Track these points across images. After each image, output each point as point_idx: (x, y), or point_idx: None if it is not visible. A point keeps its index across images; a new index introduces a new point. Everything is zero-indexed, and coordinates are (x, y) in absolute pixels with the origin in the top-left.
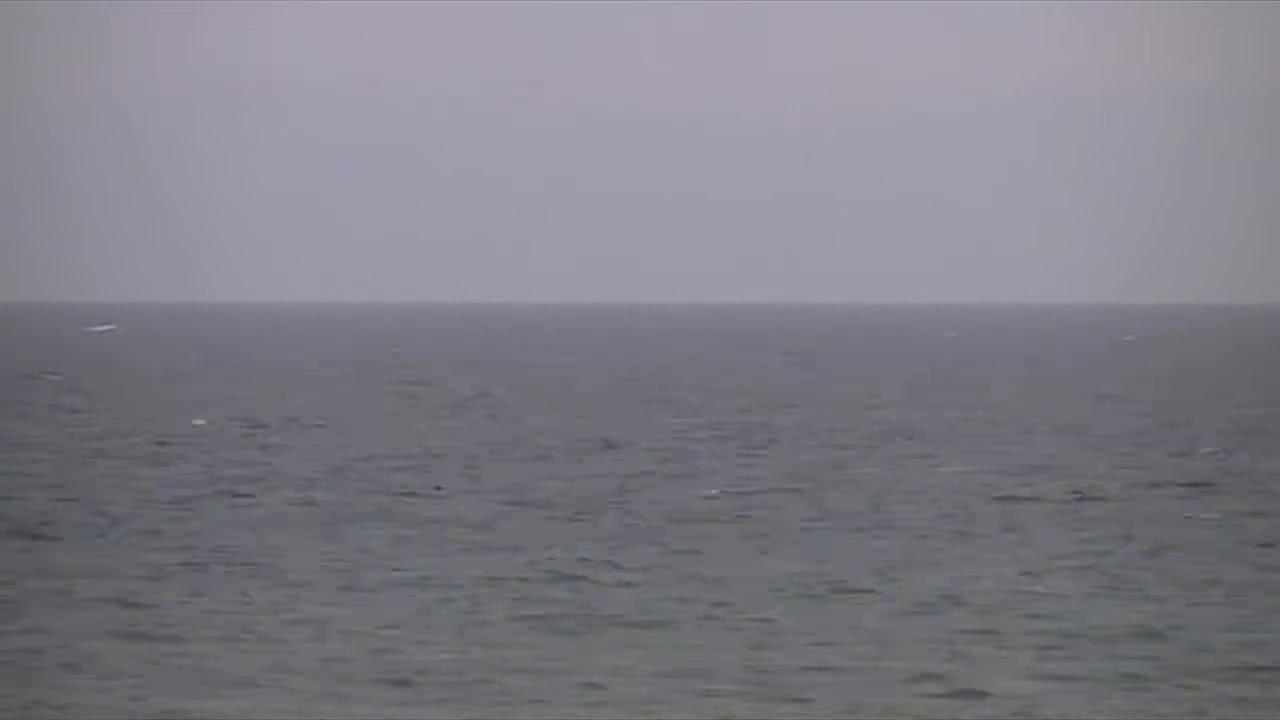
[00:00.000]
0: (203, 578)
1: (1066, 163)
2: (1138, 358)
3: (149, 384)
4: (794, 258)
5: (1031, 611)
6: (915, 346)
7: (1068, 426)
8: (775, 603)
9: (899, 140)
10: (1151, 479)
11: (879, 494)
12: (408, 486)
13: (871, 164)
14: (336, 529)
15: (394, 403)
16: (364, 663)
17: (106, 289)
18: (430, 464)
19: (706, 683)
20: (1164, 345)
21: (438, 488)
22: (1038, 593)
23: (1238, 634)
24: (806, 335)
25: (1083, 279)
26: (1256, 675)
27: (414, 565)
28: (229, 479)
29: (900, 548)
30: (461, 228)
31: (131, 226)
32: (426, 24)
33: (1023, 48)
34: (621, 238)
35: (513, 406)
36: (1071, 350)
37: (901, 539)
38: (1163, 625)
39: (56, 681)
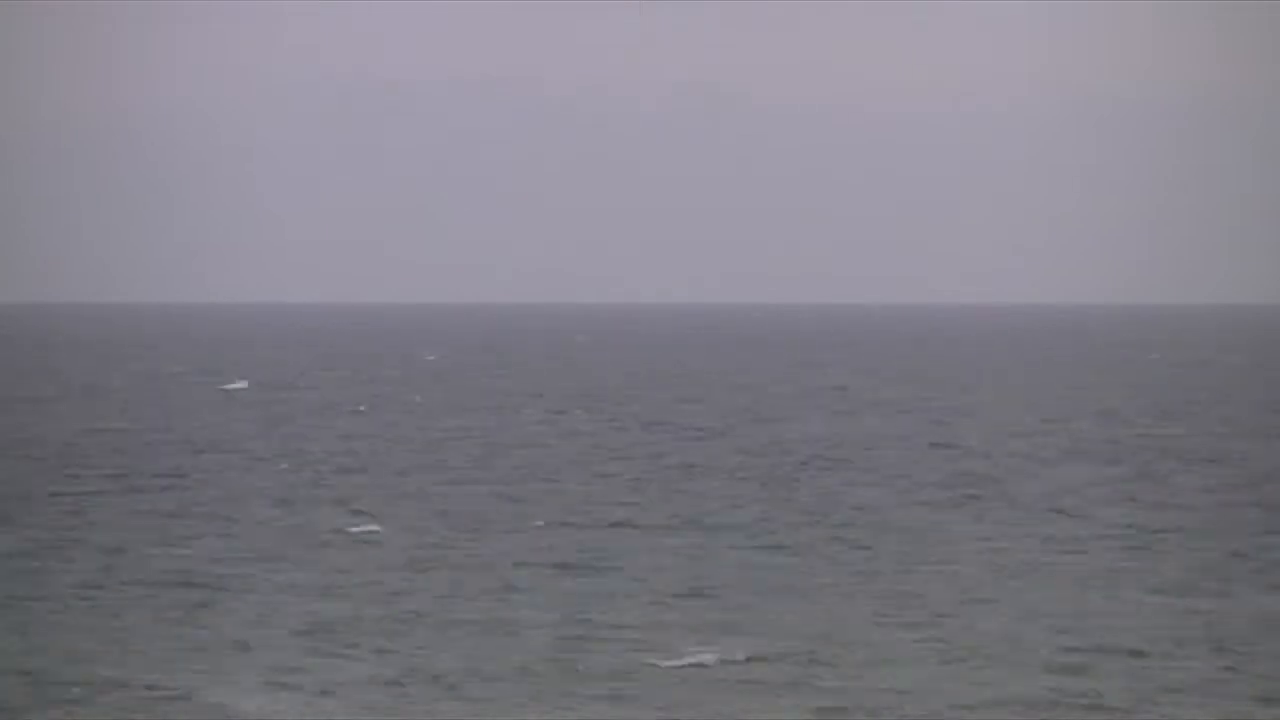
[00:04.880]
0: None
1: (1067, 165)
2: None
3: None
4: (794, 260)
5: None
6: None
7: None
8: None
9: (900, 142)
10: None
11: None
12: None
13: (873, 165)
14: None
15: None
16: None
17: (106, 289)
18: None
19: None
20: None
21: None
22: None
23: None
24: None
25: (1082, 279)
26: None
27: None
28: None
29: None
30: (460, 227)
31: (132, 228)
32: (426, 23)
33: (1025, 52)
34: (621, 238)
35: None
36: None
37: None
38: None
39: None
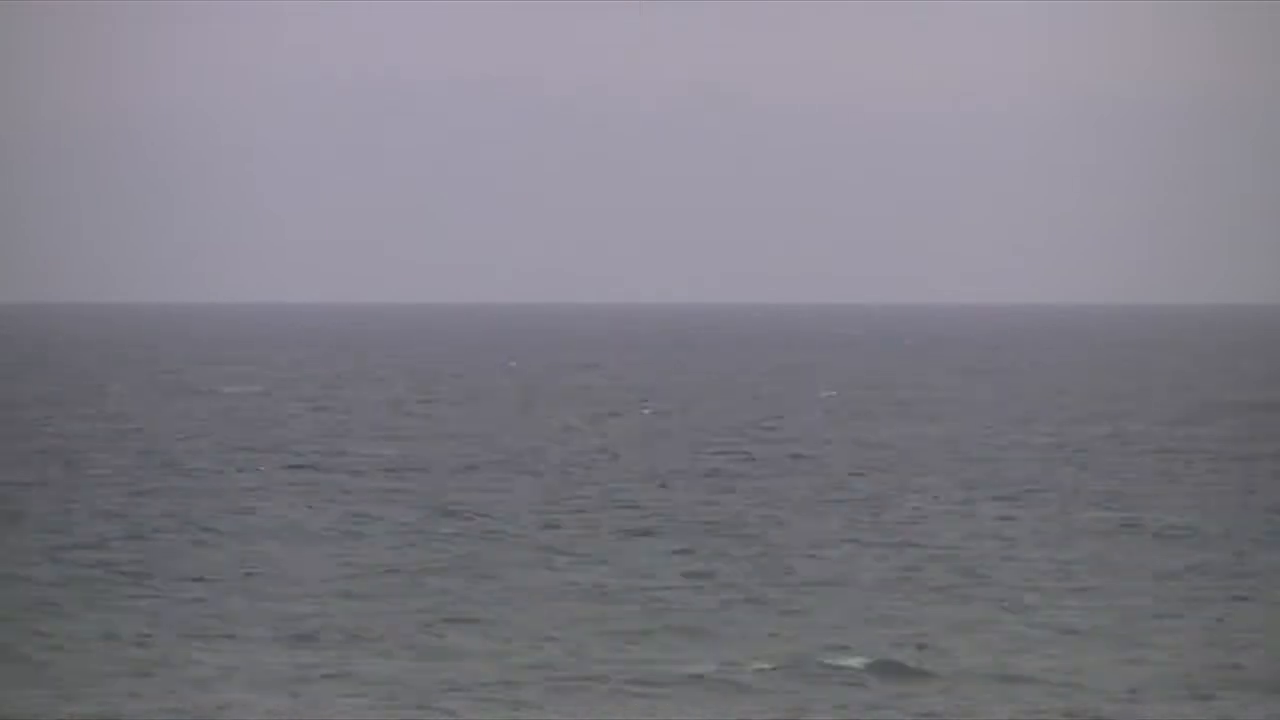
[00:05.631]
0: None
1: (1067, 165)
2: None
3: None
4: (794, 259)
5: None
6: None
7: None
8: None
9: (900, 142)
10: None
11: None
12: None
13: (873, 165)
14: None
15: None
16: None
17: (106, 289)
18: None
19: None
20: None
21: None
22: None
23: None
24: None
25: (1082, 279)
26: None
27: None
28: None
29: None
30: (460, 227)
31: (132, 228)
32: (426, 23)
33: (1025, 52)
34: (621, 238)
35: None
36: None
37: None
38: None
39: None
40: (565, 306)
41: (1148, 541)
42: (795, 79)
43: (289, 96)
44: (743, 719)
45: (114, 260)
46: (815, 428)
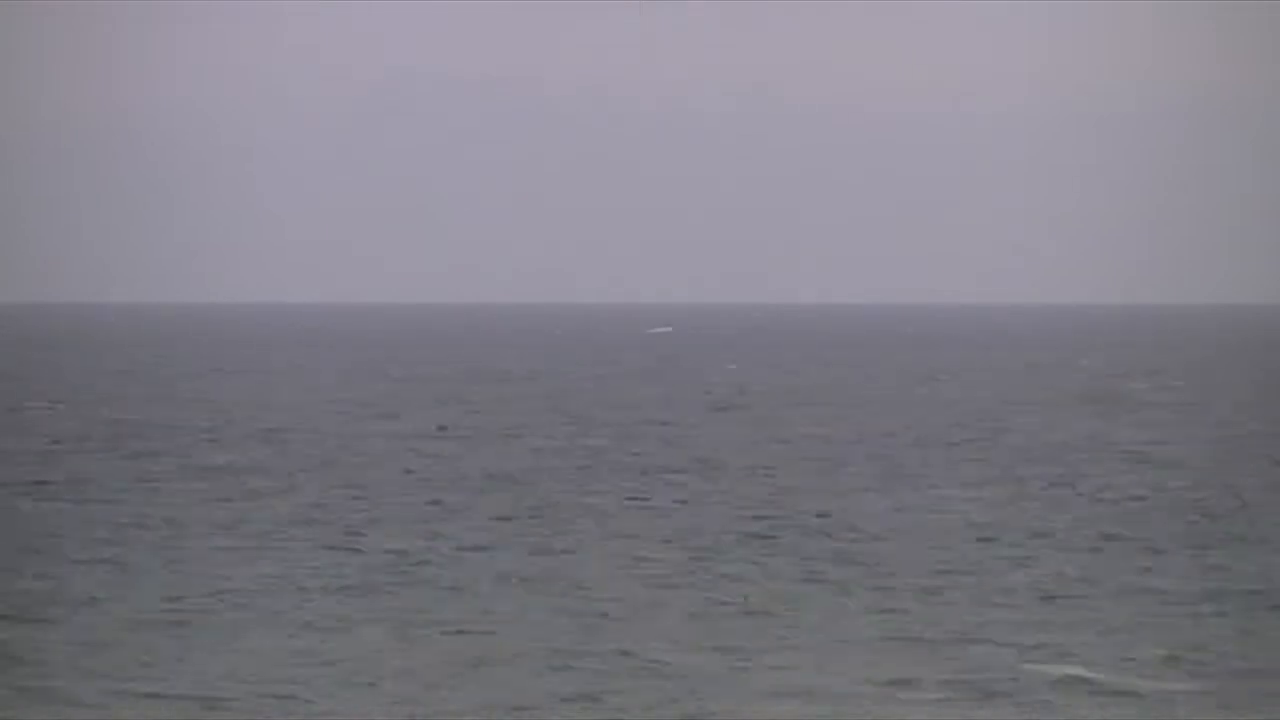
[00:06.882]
0: None
1: (1067, 165)
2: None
3: None
4: (794, 259)
5: None
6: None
7: None
8: None
9: (900, 142)
10: None
11: None
12: None
13: (873, 165)
14: None
15: None
16: None
17: (106, 289)
18: None
19: None
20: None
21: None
22: None
23: None
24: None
25: (1082, 279)
26: None
27: None
28: None
29: None
30: (460, 227)
31: (132, 228)
32: (426, 23)
33: (1025, 52)
34: (621, 238)
35: None
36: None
37: None
38: None
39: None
40: (565, 306)
41: None
42: (795, 79)
43: (289, 96)
44: None
45: (114, 260)
46: None
